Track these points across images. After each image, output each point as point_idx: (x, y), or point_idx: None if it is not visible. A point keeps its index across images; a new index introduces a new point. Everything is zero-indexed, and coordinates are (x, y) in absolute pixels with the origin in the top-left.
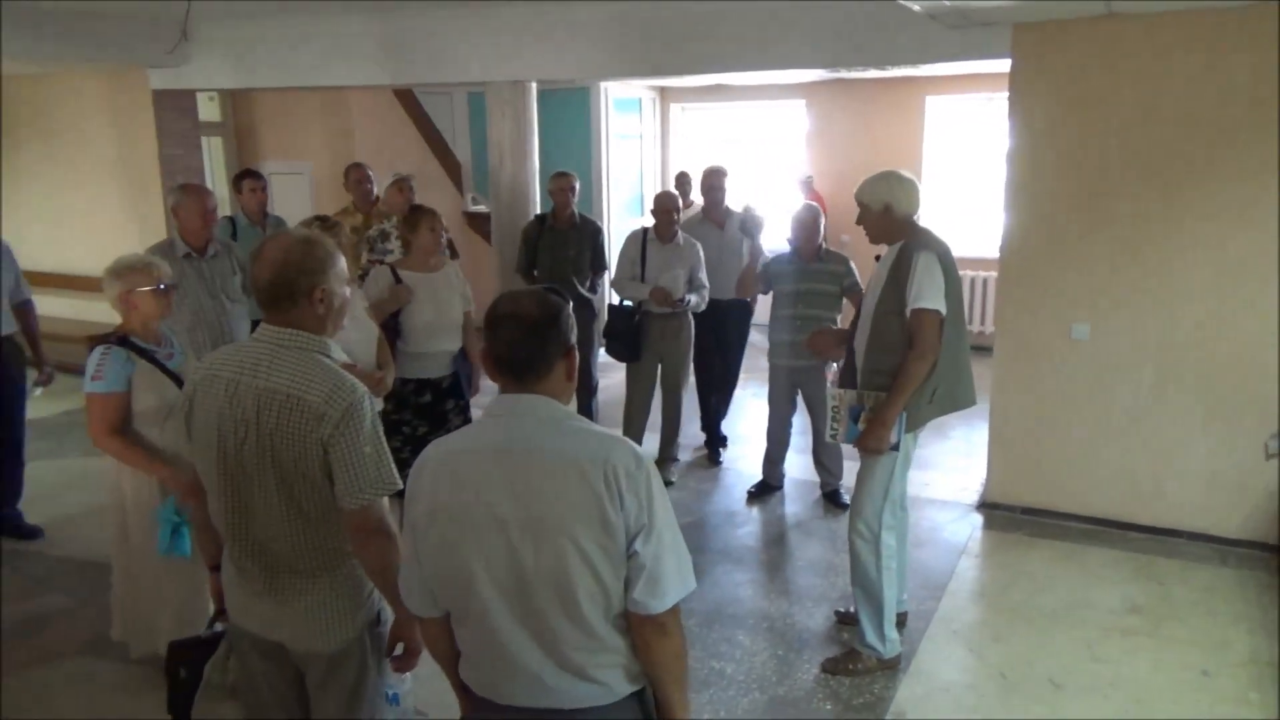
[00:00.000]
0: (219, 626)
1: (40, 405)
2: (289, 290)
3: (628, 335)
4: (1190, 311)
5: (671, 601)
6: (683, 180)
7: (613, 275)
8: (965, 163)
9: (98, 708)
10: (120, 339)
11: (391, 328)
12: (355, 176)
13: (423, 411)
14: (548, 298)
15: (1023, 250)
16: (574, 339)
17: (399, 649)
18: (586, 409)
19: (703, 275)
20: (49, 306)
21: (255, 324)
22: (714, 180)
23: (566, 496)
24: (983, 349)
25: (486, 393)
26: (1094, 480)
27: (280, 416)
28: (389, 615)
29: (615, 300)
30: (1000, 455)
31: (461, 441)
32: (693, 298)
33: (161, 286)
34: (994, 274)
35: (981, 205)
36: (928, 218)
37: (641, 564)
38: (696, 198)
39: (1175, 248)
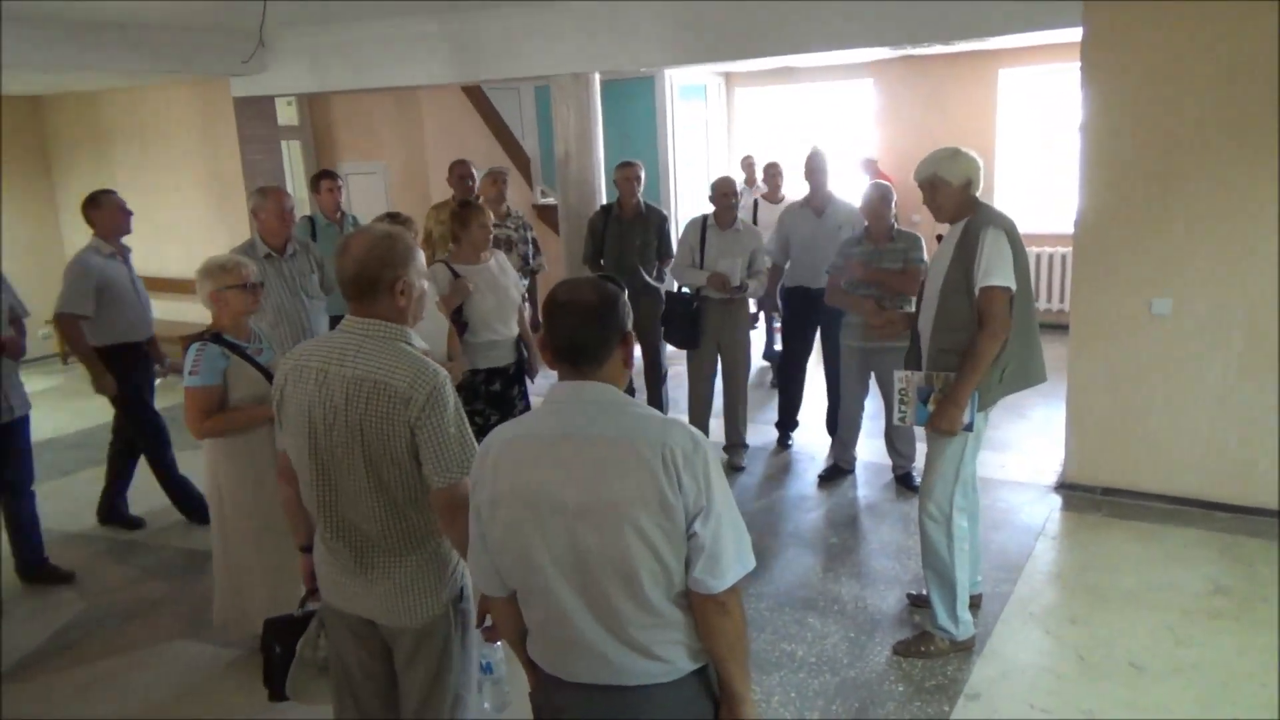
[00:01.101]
0: (311, 605)
1: None
2: (373, 282)
3: (686, 322)
4: (1277, 283)
5: (731, 580)
6: (748, 165)
7: (673, 262)
8: (1040, 136)
9: (198, 686)
10: (213, 336)
11: (456, 322)
12: (458, 172)
13: (494, 400)
14: (604, 285)
15: (1099, 224)
16: (630, 325)
17: (489, 620)
18: (656, 396)
19: (761, 261)
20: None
21: (333, 319)
22: (815, 163)
23: (625, 480)
24: (1057, 327)
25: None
26: (1177, 459)
27: (368, 402)
28: (472, 590)
29: (674, 287)
30: (1078, 435)
31: (522, 428)
32: (751, 284)
33: (248, 284)
34: (1068, 250)
35: (1056, 180)
36: (1002, 194)
37: (701, 544)
38: (762, 184)
39: (1259, 217)
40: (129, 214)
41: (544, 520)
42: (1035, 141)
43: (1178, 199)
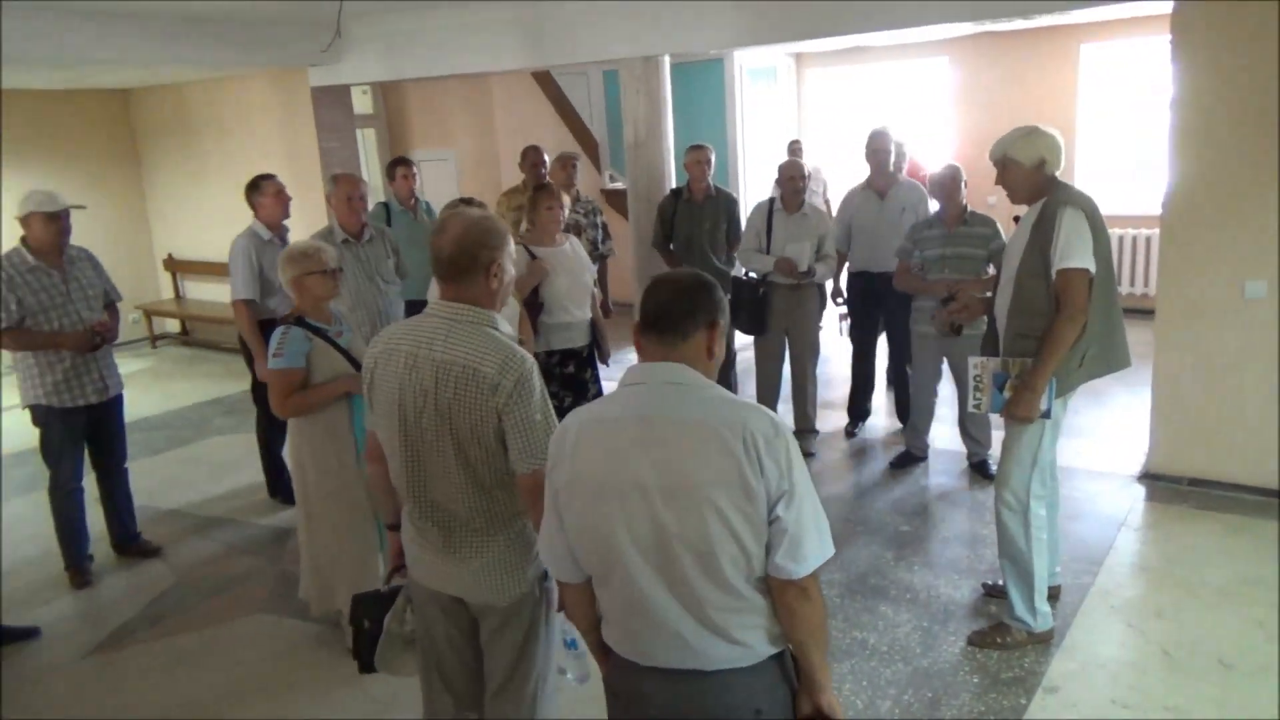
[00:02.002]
0: (397, 581)
1: (222, 385)
2: (469, 263)
3: (753, 308)
4: None
5: (813, 565)
6: (795, 149)
7: (740, 246)
8: (1125, 114)
9: (281, 658)
10: (296, 320)
11: (531, 304)
12: (531, 159)
13: (567, 382)
14: (703, 275)
15: (1190, 204)
16: (722, 316)
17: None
18: (725, 380)
19: (830, 245)
20: (230, 295)
21: (409, 304)
22: (878, 144)
23: (707, 462)
24: (1142, 311)
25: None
26: (1270, 448)
27: (458, 387)
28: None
29: (741, 272)
30: (1164, 423)
31: (601, 410)
32: (819, 268)
33: (328, 270)
34: (1153, 232)
35: (1140, 159)
36: (1084, 174)
37: (783, 528)
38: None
39: None
40: (287, 198)
41: (624, 501)
42: (1119, 119)
43: (1275, 176)
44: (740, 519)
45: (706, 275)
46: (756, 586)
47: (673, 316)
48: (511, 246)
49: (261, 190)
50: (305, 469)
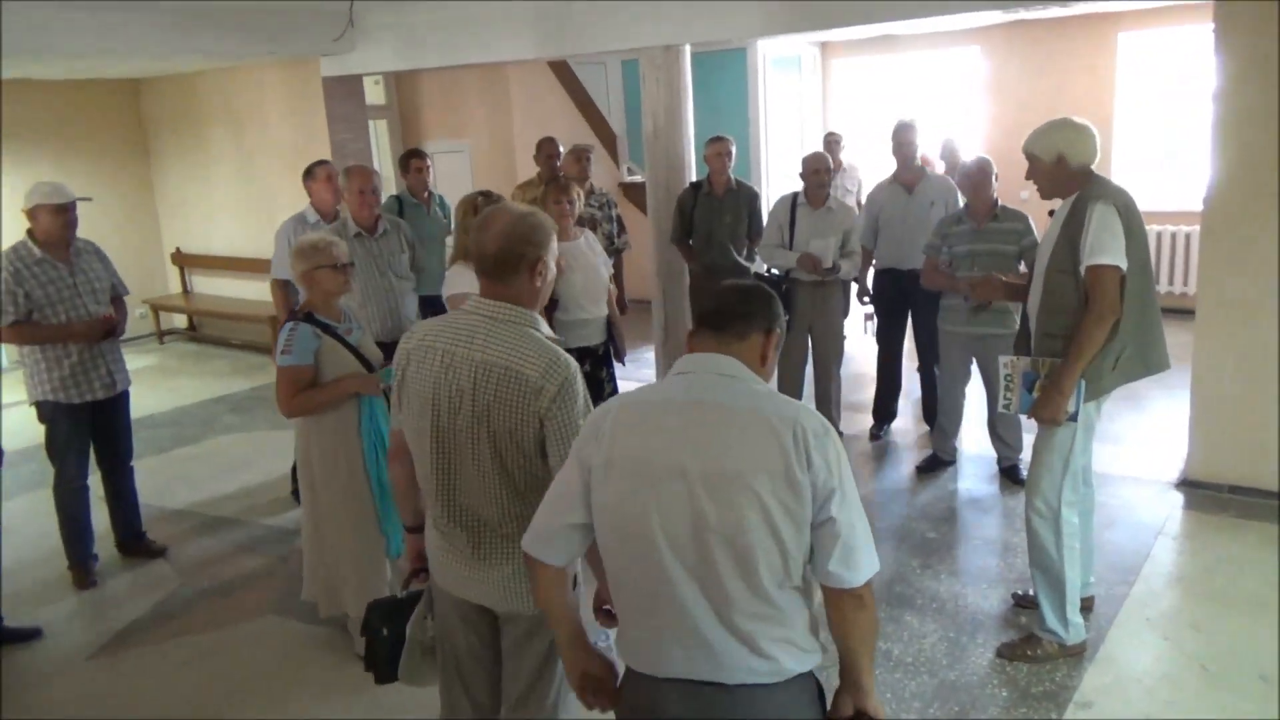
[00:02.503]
0: (416, 586)
1: (230, 382)
2: (515, 261)
3: None
4: None
5: (866, 575)
6: (832, 142)
7: (762, 241)
8: (1164, 106)
9: (289, 662)
10: (305, 315)
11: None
12: (545, 151)
13: (584, 381)
14: (765, 286)
15: (1232, 200)
16: (779, 328)
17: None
18: None
19: (855, 241)
20: (239, 289)
21: (423, 299)
22: (904, 136)
23: (752, 449)
24: (1181, 311)
25: (634, 361)
26: None
27: (499, 389)
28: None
29: (763, 269)
30: (1204, 428)
31: (645, 394)
32: (844, 265)
33: (339, 264)
34: (1192, 229)
35: (1180, 153)
36: (1122, 169)
37: (836, 532)
38: (845, 158)
39: None
40: (338, 184)
41: (660, 486)
42: (1158, 111)
43: None
44: (782, 513)
45: (766, 287)
46: (790, 596)
47: (732, 315)
48: (555, 244)
49: (314, 176)
50: (312, 469)
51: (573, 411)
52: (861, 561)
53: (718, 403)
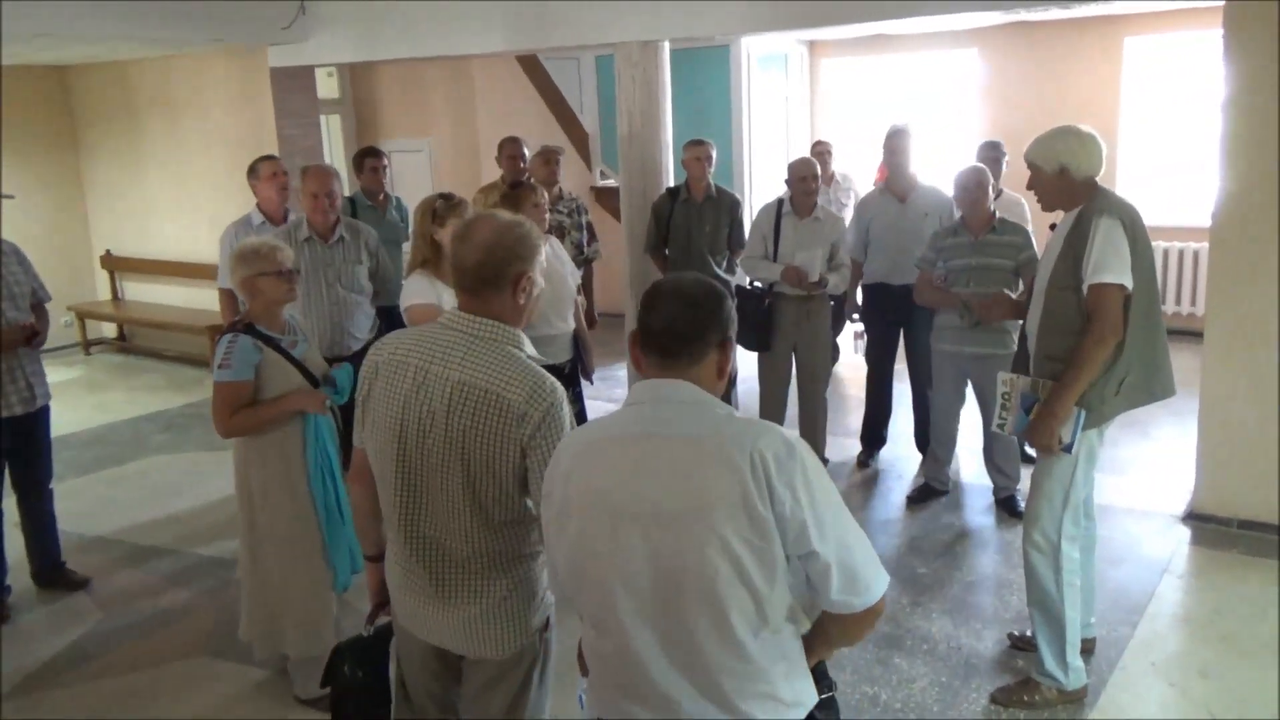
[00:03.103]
0: (382, 620)
1: (163, 397)
2: (497, 275)
3: (757, 321)
4: None
5: (878, 593)
6: (821, 152)
7: (744, 252)
8: (1173, 115)
9: (217, 708)
10: (246, 327)
11: None
12: (508, 151)
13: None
14: (712, 283)
15: (1243, 214)
16: (733, 332)
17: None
18: (725, 400)
19: (844, 253)
20: (174, 296)
21: (381, 311)
22: (896, 143)
23: (710, 484)
24: (1188, 333)
25: (602, 379)
26: None
27: (477, 413)
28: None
29: (744, 281)
30: (1213, 458)
31: (598, 430)
32: (832, 278)
33: (283, 271)
34: (1202, 245)
35: (1190, 164)
36: (1127, 181)
37: (825, 563)
38: (837, 169)
39: None
40: (285, 181)
41: (617, 530)
42: (1166, 121)
43: None
44: (748, 553)
45: (714, 283)
46: (768, 644)
47: (685, 338)
48: (543, 256)
49: (258, 174)
50: (251, 495)
51: (556, 440)
52: (870, 582)
53: (673, 435)
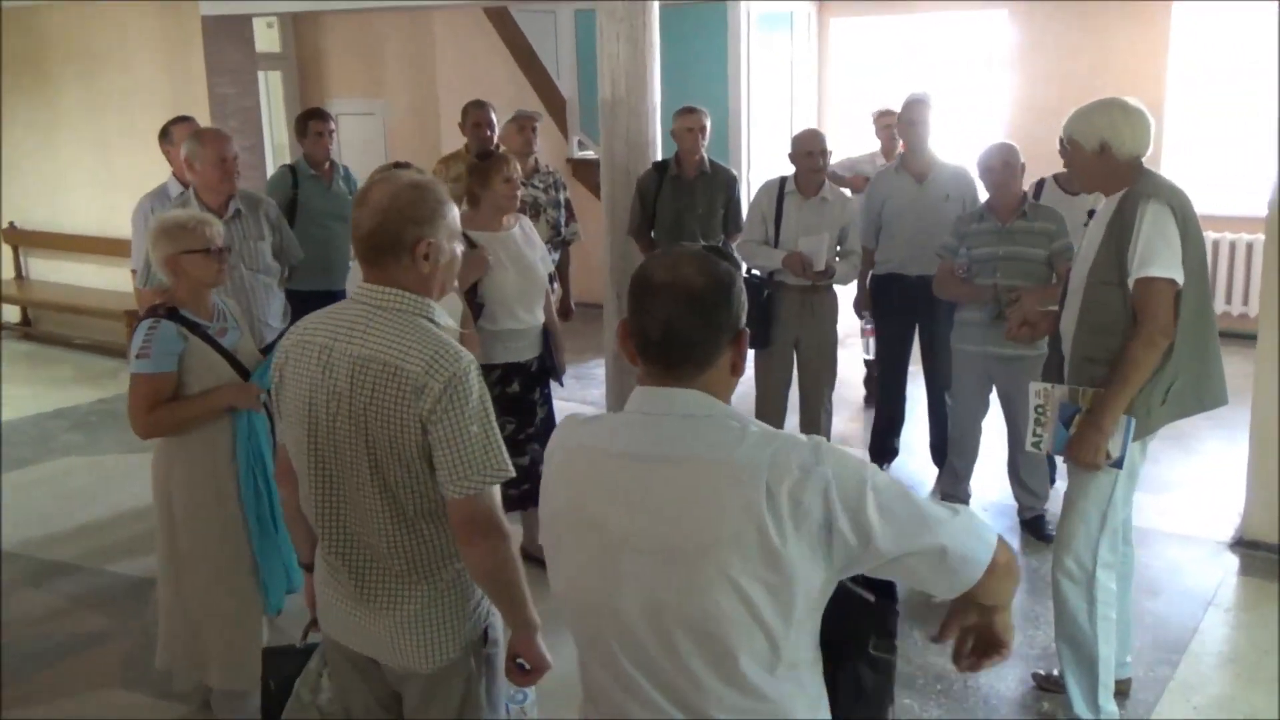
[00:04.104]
0: (315, 636)
1: (73, 392)
2: (392, 242)
3: (756, 314)
4: None
5: (988, 555)
6: (888, 123)
7: (741, 236)
8: (1227, 90)
9: None
10: (169, 312)
11: (469, 304)
12: (474, 118)
13: (512, 405)
14: (716, 263)
15: None
16: (744, 319)
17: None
18: None
19: (854, 239)
20: (88, 276)
21: (290, 294)
22: (914, 114)
23: (721, 517)
24: (1243, 336)
25: (576, 378)
26: None
27: (375, 388)
28: (501, 629)
29: (742, 269)
30: (1264, 477)
31: (594, 437)
32: (840, 267)
33: (212, 249)
34: (1256, 237)
35: (1244, 147)
36: (1173, 164)
37: (911, 567)
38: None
39: None
40: None
41: (617, 563)
42: (1219, 97)
43: None
44: (762, 592)
45: (716, 260)
46: (789, 679)
47: (691, 346)
48: (454, 219)
49: (171, 138)
50: (172, 504)
51: (463, 414)
52: (978, 555)
53: (682, 456)
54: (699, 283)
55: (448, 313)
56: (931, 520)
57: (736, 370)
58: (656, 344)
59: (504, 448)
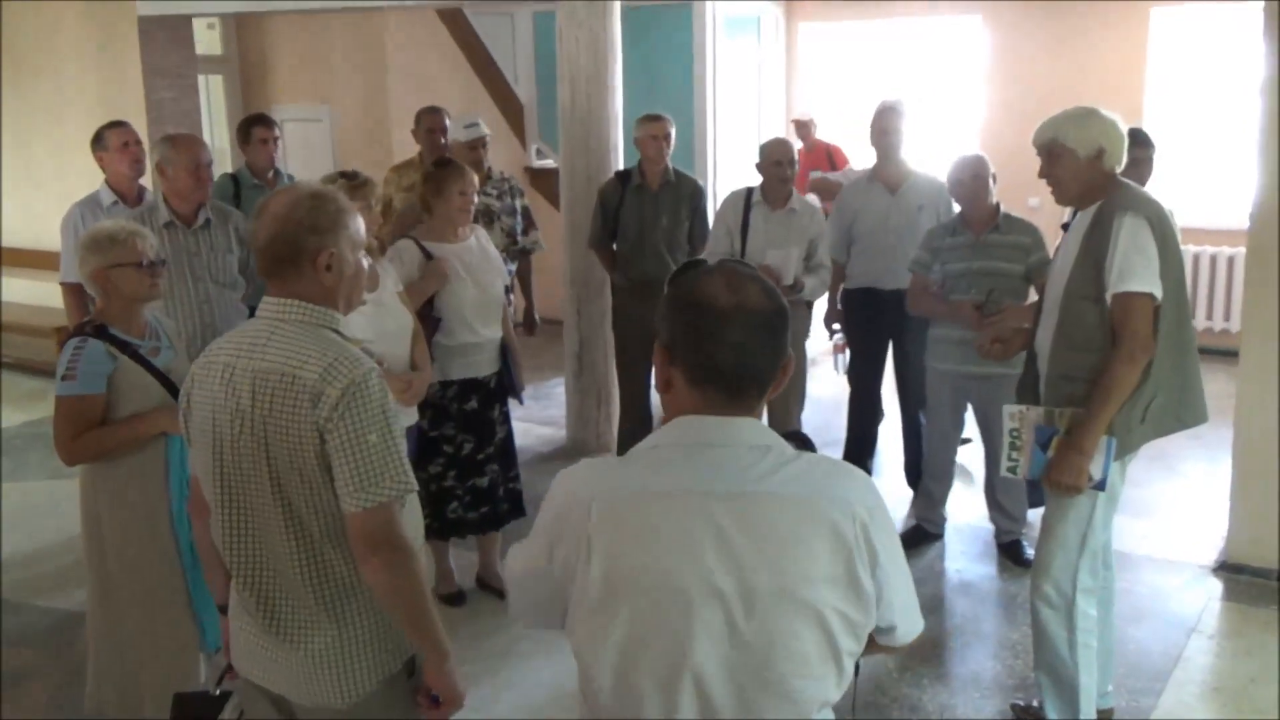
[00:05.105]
0: (230, 682)
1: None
2: (291, 253)
3: None
4: None
5: (917, 632)
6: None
7: (706, 249)
8: (1206, 98)
9: None
10: (97, 329)
11: (425, 319)
12: (427, 124)
13: (469, 423)
14: (769, 282)
15: None
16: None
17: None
18: None
19: (823, 252)
20: (15, 291)
21: (254, 312)
22: (886, 122)
23: (807, 552)
24: (1222, 352)
25: (535, 398)
26: None
27: (274, 399)
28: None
29: None
30: (1248, 500)
31: (640, 478)
32: (809, 281)
33: (144, 262)
34: (1238, 250)
35: (1225, 156)
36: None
37: (896, 640)
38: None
39: None
40: (138, 152)
41: (690, 613)
42: (1198, 105)
43: None
44: (845, 631)
45: (770, 283)
46: (829, 710)
47: (762, 373)
48: (357, 229)
49: (105, 143)
50: (101, 534)
51: (361, 421)
52: (910, 630)
53: (756, 492)
54: (766, 305)
55: (396, 331)
56: (911, 595)
57: (775, 392)
58: (727, 372)
59: (406, 460)
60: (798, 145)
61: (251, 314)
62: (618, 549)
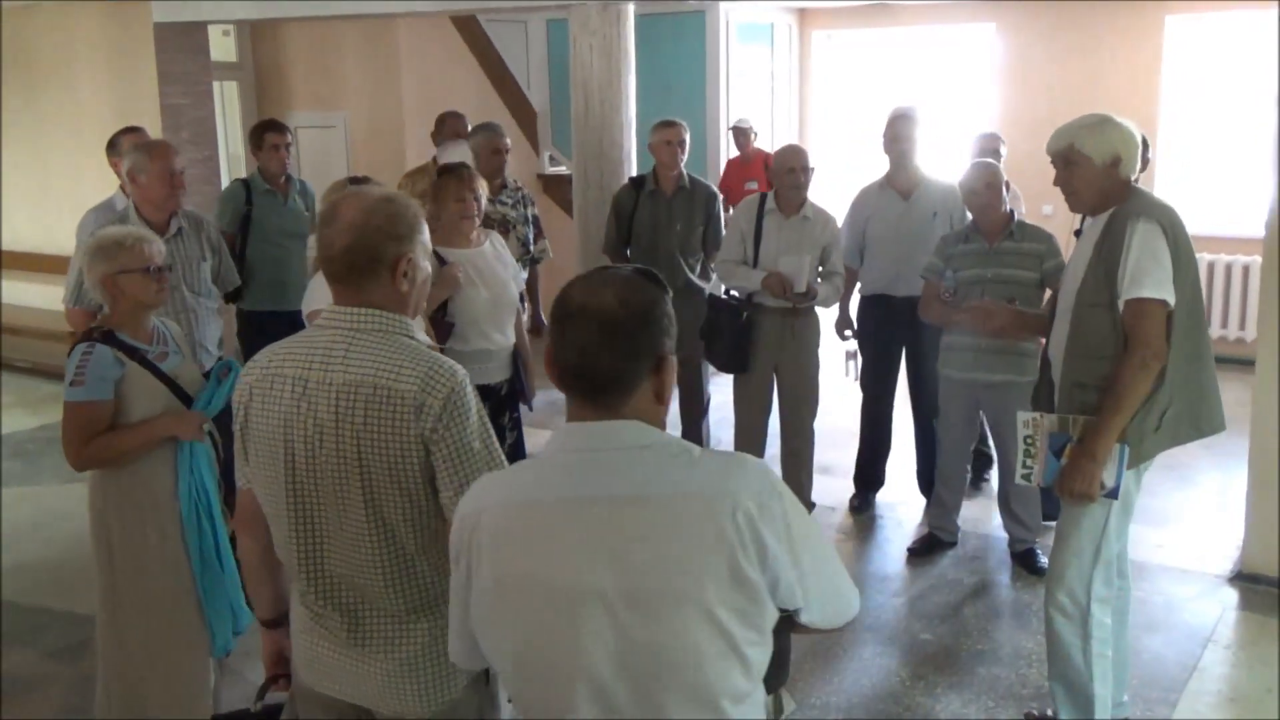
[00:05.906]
0: (273, 697)
1: (11, 418)
2: (370, 260)
3: (734, 337)
4: None
5: (853, 613)
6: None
7: (720, 255)
8: (1222, 106)
9: None
10: (105, 335)
11: (437, 325)
12: (451, 128)
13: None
14: (637, 285)
15: None
16: (671, 345)
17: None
18: (695, 433)
19: (837, 259)
20: (30, 296)
21: (242, 316)
22: (900, 129)
23: (687, 549)
24: (1239, 361)
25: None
26: None
27: (369, 414)
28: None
29: (720, 290)
30: (1264, 510)
31: (524, 489)
32: (822, 288)
33: (152, 268)
34: (1253, 259)
35: (1239, 164)
36: (1166, 182)
37: (811, 620)
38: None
39: None
40: None
41: (576, 616)
42: (1214, 113)
43: None
44: (737, 622)
45: (641, 283)
46: (751, 699)
47: (606, 376)
48: (426, 235)
49: (120, 150)
50: (111, 541)
51: (465, 429)
52: (844, 610)
53: (622, 495)
54: (614, 309)
55: None
56: (836, 578)
57: (661, 399)
58: (573, 374)
59: (505, 461)
60: (734, 154)
61: (241, 317)
62: (504, 559)
